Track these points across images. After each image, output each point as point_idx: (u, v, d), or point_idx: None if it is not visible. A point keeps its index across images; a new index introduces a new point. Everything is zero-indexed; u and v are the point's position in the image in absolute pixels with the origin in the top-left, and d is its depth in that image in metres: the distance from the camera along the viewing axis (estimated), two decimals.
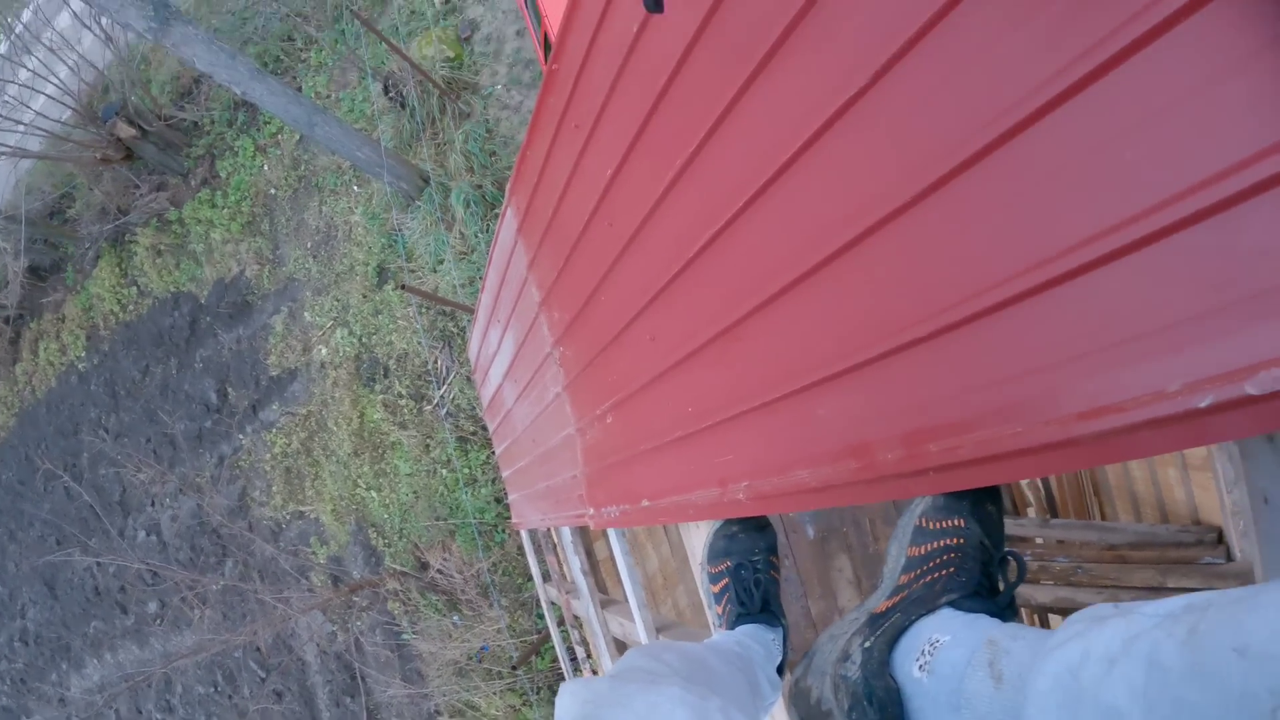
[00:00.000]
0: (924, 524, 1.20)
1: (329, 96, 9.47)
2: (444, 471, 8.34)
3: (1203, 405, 0.66)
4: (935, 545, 1.15)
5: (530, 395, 3.24)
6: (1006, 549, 1.15)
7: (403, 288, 6.87)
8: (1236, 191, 0.59)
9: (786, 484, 1.34)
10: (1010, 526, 3.24)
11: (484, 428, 7.77)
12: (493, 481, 7.95)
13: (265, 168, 9.71)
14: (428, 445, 8.45)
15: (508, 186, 2.81)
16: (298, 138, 9.60)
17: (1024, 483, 3.82)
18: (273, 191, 9.63)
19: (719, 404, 1.56)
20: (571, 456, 2.73)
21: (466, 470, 8.10)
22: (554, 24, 6.82)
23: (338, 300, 8.83)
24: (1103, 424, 0.75)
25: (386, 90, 8.78)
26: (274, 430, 9.36)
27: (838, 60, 0.98)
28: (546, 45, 7.04)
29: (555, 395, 2.78)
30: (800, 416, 1.28)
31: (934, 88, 0.86)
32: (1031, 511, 3.99)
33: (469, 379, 8.09)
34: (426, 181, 8.37)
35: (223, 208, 9.72)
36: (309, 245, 9.35)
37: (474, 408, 7.90)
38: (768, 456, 1.42)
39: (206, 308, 9.90)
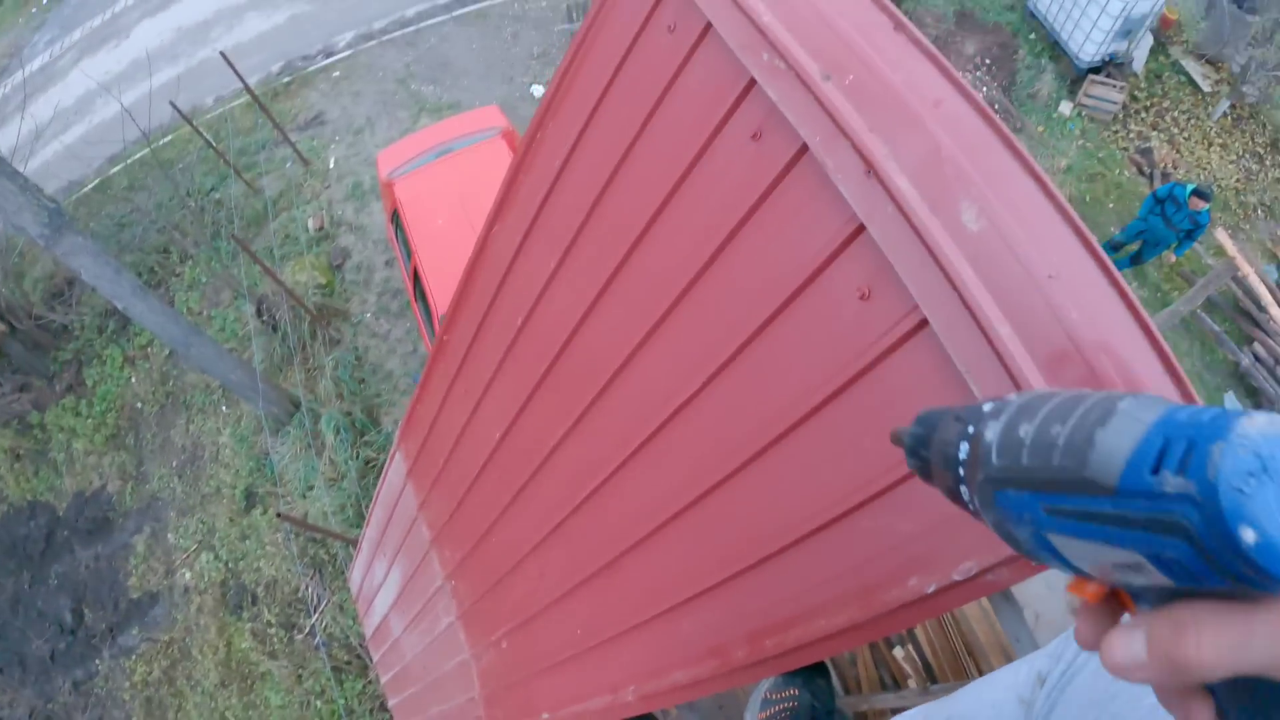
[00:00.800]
0: (769, 696, 1.72)
1: (201, 314, 9.74)
2: (318, 703, 8.28)
3: (929, 590, 1.10)
4: (775, 710, 1.51)
5: (420, 625, 3.55)
6: (836, 711, 1.72)
7: (279, 515, 6.94)
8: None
9: (665, 684, 1.81)
10: (893, 700, 3.79)
11: (359, 656, 7.83)
12: (371, 712, 7.93)
13: (133, 380, 9.83)
14: (300, 675, 8.38)
15: (397, 433, 3.27)
16: (168, 352, 9.79)
17: (899, 656, 4.16)
18: (139, 405, 9.70)
19: (604, 625, 2.02)
20: (467, 681, 3.06)
21: (343, 700, 8.03)
22: (424, 259, 7.08)
23: (203, 523, 8.85)
24: (873, 610, 1.19)
25: (259, 312, 9.03)
26: (134, 657, 9.18)
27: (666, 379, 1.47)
28: (415, 278, 7.45)
29: (448, 625, 3.15)
30: (670, 630, 1.76)
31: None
32: (912, 682, 4.21)
33: (342, 607, 8.10)
34: (297, 406, 8.61)
35: (87, 417, 9.75)
36: (175, 464, 9.37)
37: (348, 636, 7.97)
38: (648, 664, 1.88)
39: (64, 520, 9.79)
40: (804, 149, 1.14)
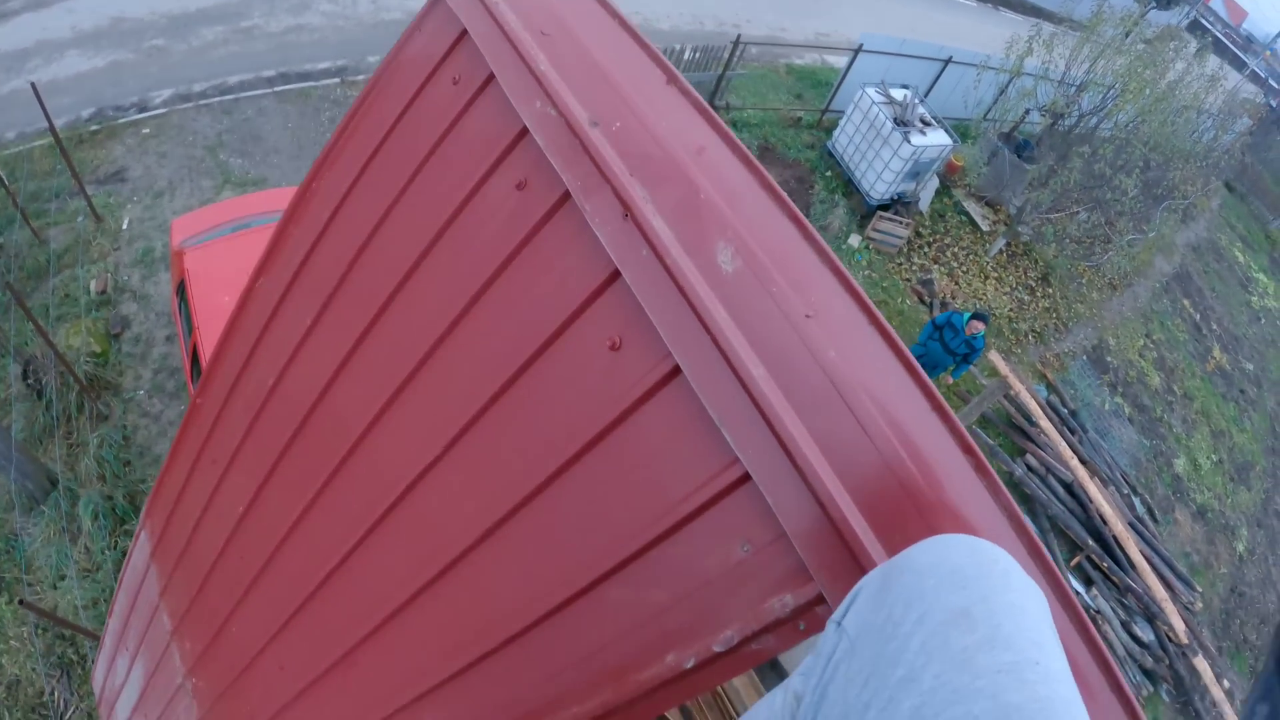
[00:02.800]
0: None
1: None
2: None
3: (689, 666, 0.99)
4: None
5: None
6: None
7: (21, 603, 6.00)
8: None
9: None
10: None
11: None
12: None
13: None
14: None
15: (143, 509, 2.90)
16: None
17: None
18: None
19: None
20: None
21: None
22: (205, 337, 6.63)
23: None
24: (628, 692, 1.07)
25: (25, 375, 8.08)
26: None
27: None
28: (194, 358, 6.82)
29: None
30: None
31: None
32: None
33: (90, 715, 7.11)
34: (54, 484, 7.70)
35: None
36: None
37: None
38: None
39: None
40: (565, 195, 1.09)
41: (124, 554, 7.33)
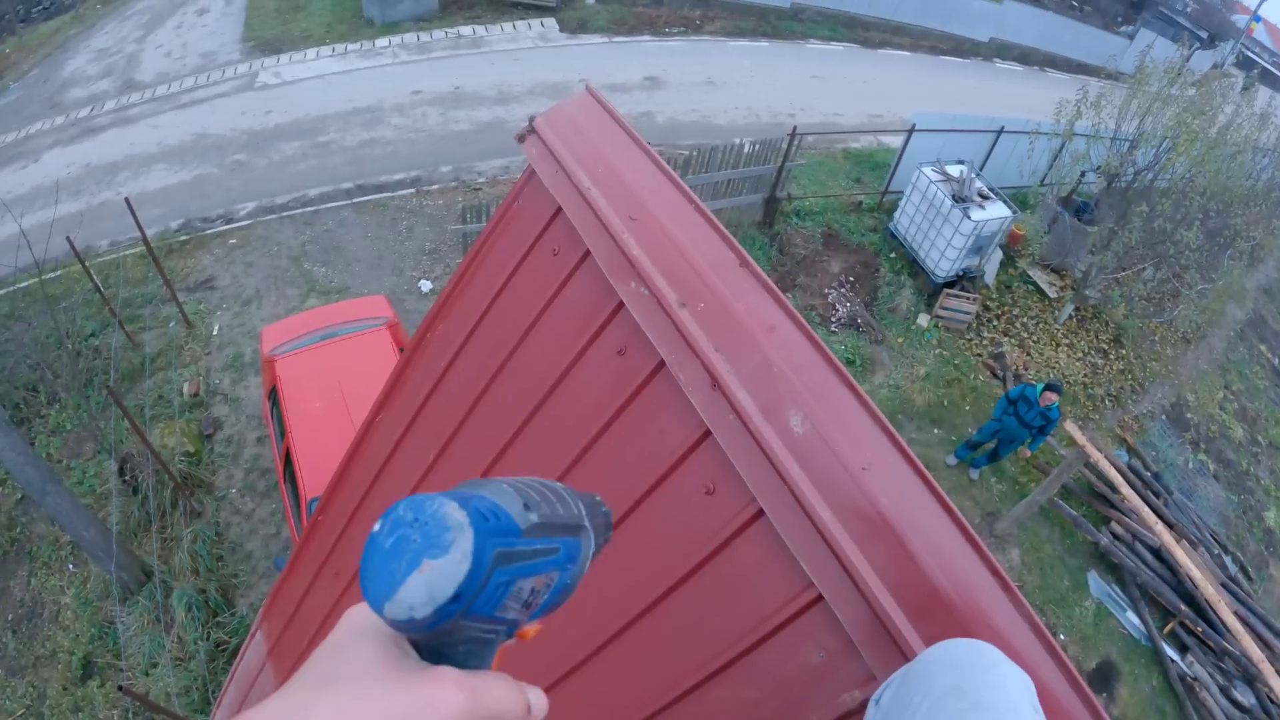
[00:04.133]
0: None
1: (61, 462, 9.20)
2: None
3: None
4: None
5: None
6: None
7: (120, 689, 6.31)
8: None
9: None
10: None
11: None
12: None
13: None
14: None
15: (260, 611, 3.12)
16: (20, 496, 9.05)
17: None
18: None
19: None
20: None
21: None
22: (298, 441, 6.94)
23: (34, 687, 8.04)
24: None
25: (122, 471, 8.61)
26: None
27: None
28: (288, 461, 7.12)
29: None
30: None
31: None
32: None
33: None
34: (149, 576, 8.11)
35: None
36: (10, 618, 8.58)
37: None
38: None
39: None
40: (661, 364, 1.36)
41: (216, 645, 7.67)
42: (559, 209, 1.65)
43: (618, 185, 1.58)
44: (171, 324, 10.27)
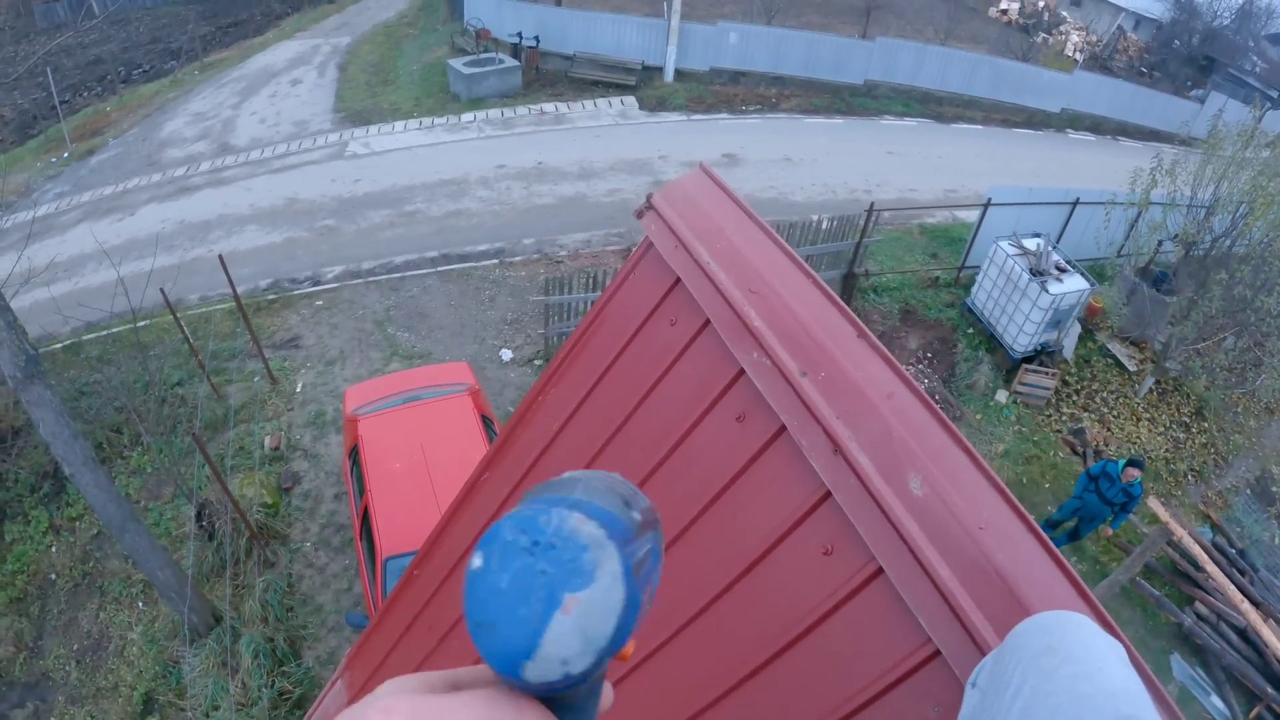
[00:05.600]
0: None
1: (139, 503, 9.63)
2: None
3: None
4: None
5: None
6: None
7: None
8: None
9: None
10: None
11: None
12: None
13: (54, 549, 9.55)
14: None
15: (344, 658, 3.13)
16: (96, 531, 9.48)
17: None
18: (53, 577, 9.36)
19: None
20: None
21: None
22: (377, 499, 7.11)
23: (93, 717, 8.19)
24: None
25: (199, 517, 8.88)
26: None
27: None
28: (365, 517, 7.33)
29: None
30: None
31: None
32: None
33: None
34: (218, 621, 8.37)
35: None
36: (76, 647, 8.89)
37: None
38: None
39: None
40: (782, 429, 1.46)
41: (280, 694, 7.80)
42: (677, 280, 1.76)
43: (736, 258, 1.67)
44: (256, 379, 10.69)
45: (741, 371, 1.56)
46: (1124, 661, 0.93)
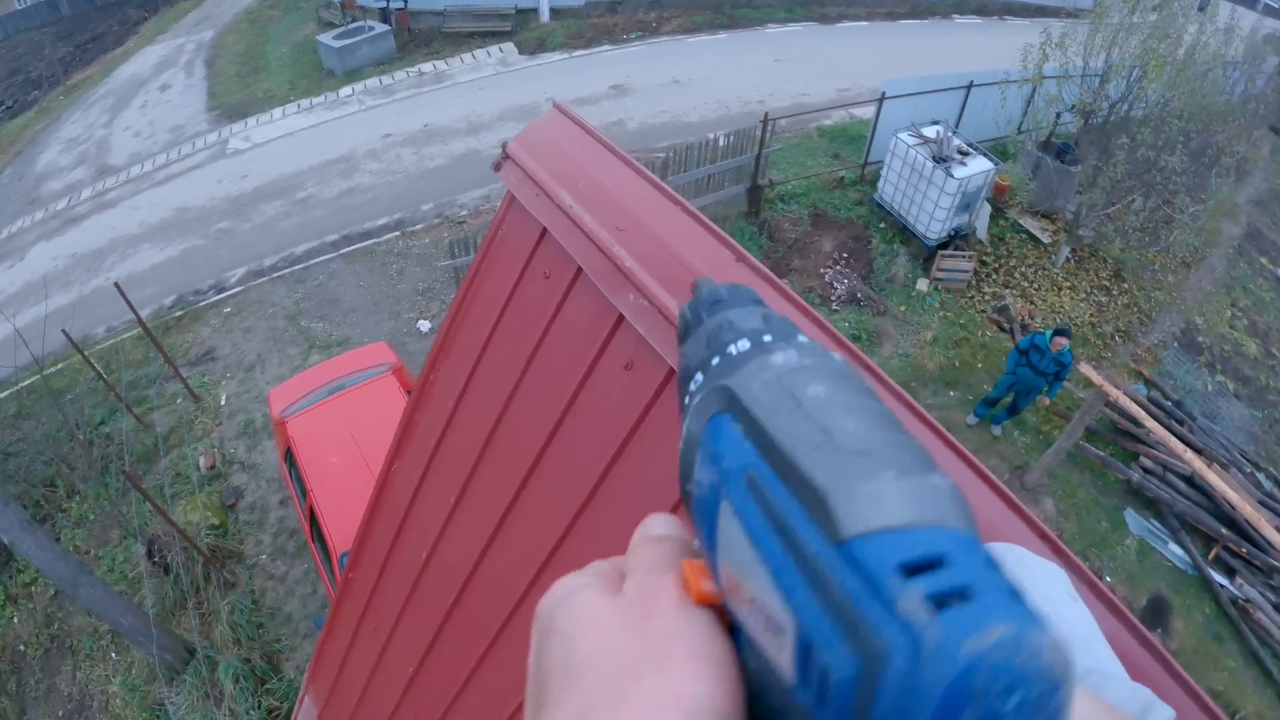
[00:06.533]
0: None
1: (89, 553, 9.21)
2: None
3: None
4: None
5: None
6: None
7: None
8: None
9: None
10: None
11: None
12: None
13: (15, 620, 9.10)
14: None
15: (305, 676, 3.11)
16: (53, 592, 9.07)
17: None
18: (22, 648, 8.95)
19: None
20: None
21: None
22: (320, 498, 6.94)
23: None
24: None
25: (150, 554, 8.61)
26: None
27: None
28: (312, 517, 7.17)
29: None
30: None
31: None
32: None
33: None
34: (192, 653, 8.09)
35: None
36: (61, 713, 8.60)
37: None
38: None
39: None
40: (671, 372, 1.31)
41: (268, 712, 7.64)
42: (544, 231, 1.61)
43: (601, 198, 1.53)
44: (179, 400, 10.26)
45: (622, 317, 1.41)
46: (1070, 594, 0.82)
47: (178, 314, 11.76)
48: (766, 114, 11.44)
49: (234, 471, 9.27)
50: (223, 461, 9.45)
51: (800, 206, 12.52)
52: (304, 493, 7.42)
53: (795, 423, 0.37)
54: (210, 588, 8.45)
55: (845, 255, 11.67)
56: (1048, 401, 9.18)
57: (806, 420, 0.37)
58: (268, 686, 7.78)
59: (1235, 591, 9.02)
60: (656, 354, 1.33)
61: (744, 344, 0.45)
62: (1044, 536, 1.04)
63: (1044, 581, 0.81)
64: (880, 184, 12.05)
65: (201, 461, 9.37)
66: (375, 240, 12.79)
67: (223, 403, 10.19)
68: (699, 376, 0.47)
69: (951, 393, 10.26)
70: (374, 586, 2.44)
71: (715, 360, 0.46)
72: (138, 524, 8.90)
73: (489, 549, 1.81)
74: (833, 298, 11.14)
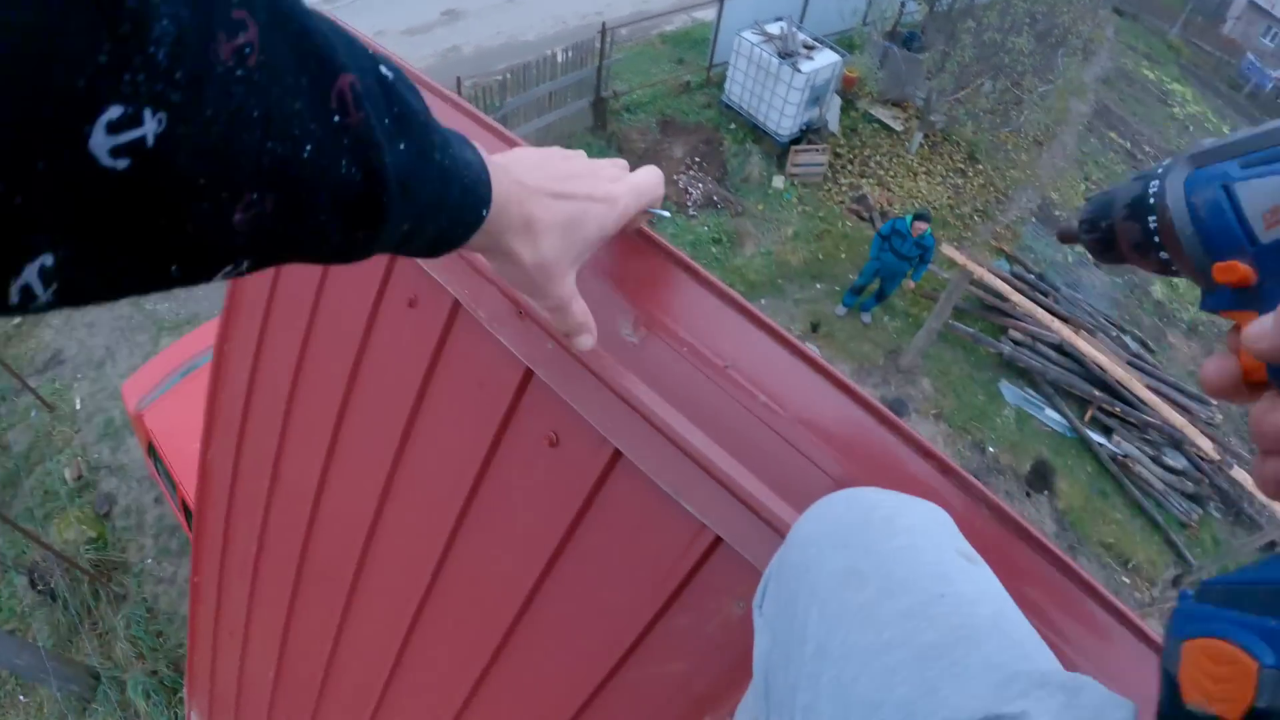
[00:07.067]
0: None
1: None
2: None
3: None
4: None
5: None
6: None
7: None
8: None
9: None
10: None
11: None
12: None
13: None
14: None
15: (184, 689, 3.01)
16: None
17: None
18: None
19: None
20: None
21: None
22: (191, 489, 6.54)
23: None
24: None
25: (33, 583, 8.03)
26: None
27: None
28: (186, 511, 6.76)
29: None
30: None
31: None
32: None
33: None
34: (97, 678, 7.64)
35: None
36: None
37: None
38: None
39: None
40: (456, 304, 1.06)
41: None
42: None
43: None
44: (33, 413, 9.43)
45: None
46: (961, 551, 0.61)
47: (16, 321, 10.79)
48: (604, 24, 11.01)
49: (102, 477, 8.64)
50: (89, 469, 8.79)
51: (648, 115, 12.14)
52: (174, 485, 6.90)
53: (1254, 138, 0.49)
54: (101, 605, 7.92)
55: (698, 160, 11.42)
56: (912, 284, 9.30)
57: (1263, 137, 0.49)
58: (180, 695, 7.41)
59: (1113, 449, 9.51)
60: (438, 285, 1.07)
61: (1155, 183, 0.56)
62: (908, 439, 0.85)
63: (924, 545, 0.62)
64: (727, 85, 11.80)
65: (67, 474, 8.68)
66: None
67: (78, 407, 9.43)
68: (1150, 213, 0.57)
69: (818, 285, 10.30)
70: (218, 587, 2.18)
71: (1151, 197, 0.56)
72: (13, 555, 8.26)
73: (311, 533, 1.56)
74: (689, 204, 10.93)
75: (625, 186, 0.78)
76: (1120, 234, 0.62)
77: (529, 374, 1.00)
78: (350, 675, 1.71)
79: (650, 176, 0.82)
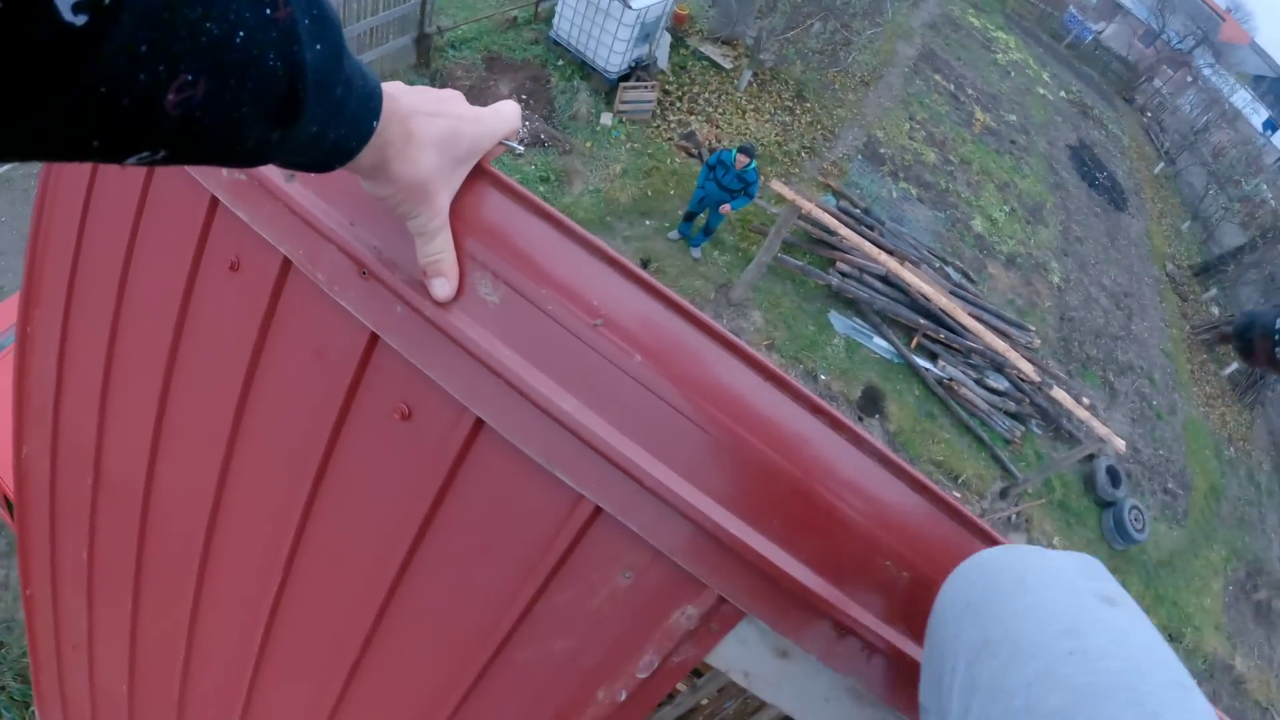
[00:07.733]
0: None
1: None
2: None
3: (623, 699, 0.93)
4: None
5: None
6: None
7: None
8: None
9: None
10: None
11: None
12: None
13: None
14: None
15: (33, 707, 2.60)
16: None
17: None
18: None
19: None
20: None
21: None
22: (8, 480, 5.96)
23: None
24: None
25: None
26: None
27: None
28: (8, 504, 6.10)
29: None
30: None
31: None
32: None
33: None
34: None
35: None
36: None
37: None
38: None
39: None
40: (287, 264, 0.92)
41: None
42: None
43: None
44: None
45: (215, 199, 0.98)
46: (1101, 594, 0.60)
47: None
48: None
49: None
50: None
51: (473, 51, 11.62)
52: None
53: None
54: None
55: (525, 97, 11.10)
56: (728, 209, 9.18)
57: None
58: (33, 708, 6.80)
59: (939, 373, 10.09)
60: (266, 244, 0.93)
61: None
62: (767, 375, 0.79)
63: (1055, 598, 0.61)
64: (556, 20, 11.45)
65: None
66: (8, 168, 10.59)
67: None
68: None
69: (648, 222, 10.31)
70: (53, 599, 1.93)
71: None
72: None
73: (145, 530, 1.38)
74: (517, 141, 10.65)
75: (489, 110, 0.79)
76: (1259, 348, 0.90)
77: (374, 339, 0.88)
78: (209, 680, 1.55)
79: (512, 107, 0.83)
